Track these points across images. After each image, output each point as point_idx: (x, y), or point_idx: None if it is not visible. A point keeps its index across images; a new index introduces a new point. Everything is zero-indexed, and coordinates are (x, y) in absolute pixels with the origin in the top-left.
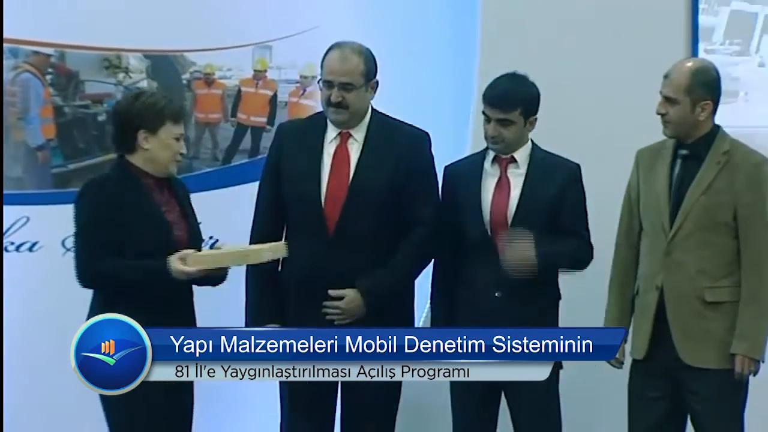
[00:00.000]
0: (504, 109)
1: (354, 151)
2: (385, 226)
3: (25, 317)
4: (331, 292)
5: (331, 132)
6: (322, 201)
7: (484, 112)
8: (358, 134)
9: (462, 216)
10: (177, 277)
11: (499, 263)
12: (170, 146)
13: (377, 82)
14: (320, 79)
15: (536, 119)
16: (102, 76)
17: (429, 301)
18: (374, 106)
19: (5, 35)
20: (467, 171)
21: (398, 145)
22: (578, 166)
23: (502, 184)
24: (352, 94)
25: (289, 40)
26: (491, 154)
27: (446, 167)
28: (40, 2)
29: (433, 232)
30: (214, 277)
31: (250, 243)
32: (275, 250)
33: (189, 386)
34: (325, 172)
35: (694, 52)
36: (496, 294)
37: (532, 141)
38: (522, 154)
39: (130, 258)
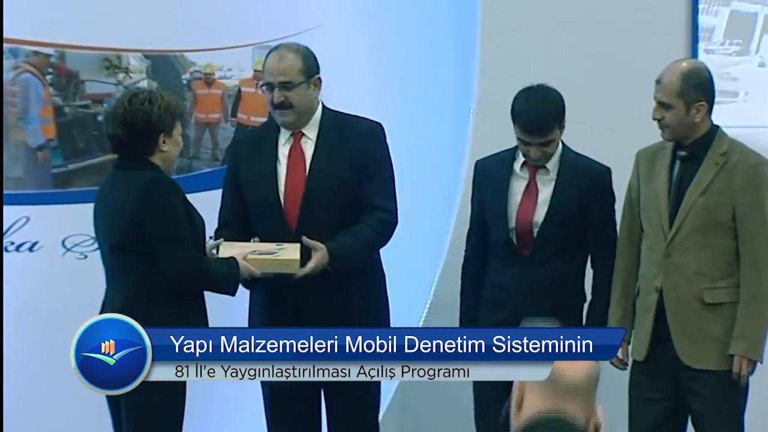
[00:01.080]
0: (544, 135)
1: (308, 148)
2: (345, 219)
3: (25, 317)
4: (306, 240)
5: (284, 134)
6: (282, 201)
7: (519, 138)
8: (311, 132)
9: (488, 217)
10: (243, 275)
11: (523, 267)
12: (179, 144)
13: (320, 79)
14: (262, 84)
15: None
16: (102, 76)
17: (459, 297)
18: (373, 105)
19: (5, 35)
20: (496, 170)
21: (352, 139)
22: (609, 170)
23: (531, 189)
24: (292, 93)
25: (289, 40)
26: (521, 157)
27: (477, 162)
28: (40, 2)
29: (394, 221)
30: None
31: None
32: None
33: None
34: (281, 173)
35: (694, 53)
36: (521, 298)
37: (562, 142)
38: (552, 160)
39: None
